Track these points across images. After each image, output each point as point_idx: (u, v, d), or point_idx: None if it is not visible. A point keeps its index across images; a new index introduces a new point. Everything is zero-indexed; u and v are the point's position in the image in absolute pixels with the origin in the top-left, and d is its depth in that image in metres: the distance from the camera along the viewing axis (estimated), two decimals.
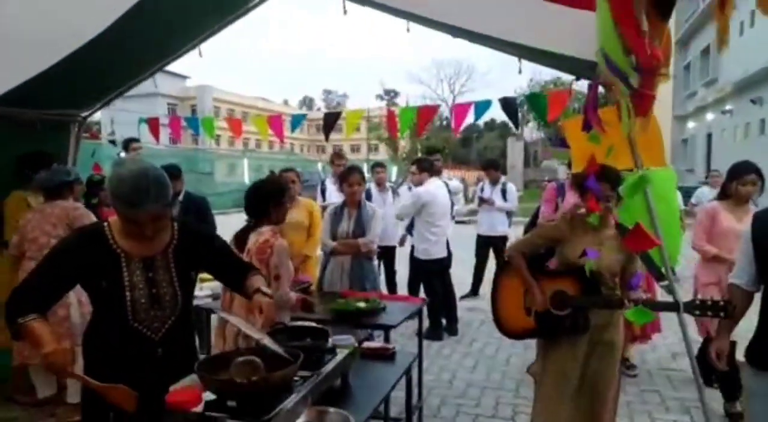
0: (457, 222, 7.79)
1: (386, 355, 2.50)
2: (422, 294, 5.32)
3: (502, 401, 3.91)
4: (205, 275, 4.14)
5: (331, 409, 1.83)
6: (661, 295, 3.63)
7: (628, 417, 3.60)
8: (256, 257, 2.61)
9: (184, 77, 43.19)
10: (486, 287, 7.00)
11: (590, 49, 2.53)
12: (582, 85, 3.31)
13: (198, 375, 1.64)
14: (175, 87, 42.31)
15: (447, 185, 5.66)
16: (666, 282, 2.59)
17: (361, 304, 3.24)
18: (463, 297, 6.52)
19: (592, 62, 2.69)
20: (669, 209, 3.14)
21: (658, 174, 3.14)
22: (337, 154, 6.15)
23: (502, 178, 6.87)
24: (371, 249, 3.85)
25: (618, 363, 2.73)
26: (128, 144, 6.19)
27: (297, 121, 4.08)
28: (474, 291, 6.93)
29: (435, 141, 28.85)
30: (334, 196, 5.97)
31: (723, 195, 3.58)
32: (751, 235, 2.10)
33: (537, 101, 3.33)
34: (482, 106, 3.50)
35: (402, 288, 5.88)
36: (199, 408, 1.50)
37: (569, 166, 4.00)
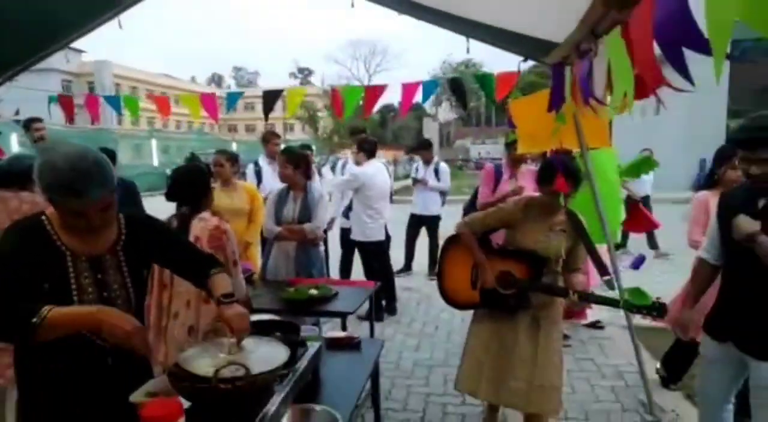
0: None
1: (352, 345, 2.42)
2: (356, 275, 5.30)
3: (450, 378, 3.93)
4: None
5: (317, 407, 1.73)
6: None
7: (569, 385, 3.78)
8: (210, 245, 2.43)
9: (79, 51, 39.45)
10: (418, 264, 7.13)
11: (550, 29, 2.57)
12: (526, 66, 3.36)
13: (173, 382, 1.48)
14: (70, 62, 38.71)
15: (386, 168, 5.60)
16: (608, 277, 2.68)
17: (313, 291, 3.13)
18: (397, 272, 6.57)
19: (547, 43, 2.73)
20: (609, 187, 3.30)
21: (600, 154, 3.28)
22: (272, 132, 5.83)
23: (435, 158, 6.94)
24: (318, 235, 3.72)
25: (561, 328, 2.88)
26: (29, 124, 5.55)
27: (233, 99, 3.81)
28: (407, 267, 7.05)
29: (355, 121, 28.63)
30: (271, 177, 5.72)
31: (711, 182, 3.19)
32: (717, 211, 2.20)
33: (485, 81, 3.34)
34: (429, 86, 3.46)
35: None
36: (181, 421, 1.34)
37: (508, 146, 4.08)
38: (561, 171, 2.49)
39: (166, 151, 25.51)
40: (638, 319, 3.63)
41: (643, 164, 2.20)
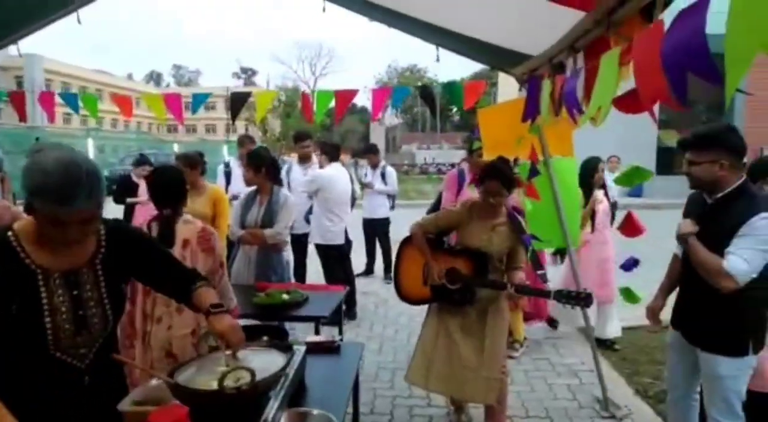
0: None
1: (332, 348, 2.42)
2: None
3: None
4: None
5: (314, 411, 1.73)
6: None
7: (527, 383, 3.93)
8: (200, 247, 2.43)
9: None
10: (377, 267, 7.19)
11: (525, 42, 2.67)
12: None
13: (174, 389, 1.45)
14: None
15: (349, 172, 5.62)
16: (543, 271, 3.05)
17: (285, 296, 3.11)
18: (358, 275, 6.61)
19: (520, 54, 2.84)
20: (570, 195, 3.46)
21: (562, 163, 3.43)
22: (247, 136, 5.68)
23: (382, 162, 7.02)
24: (278, 240, 3.67)
25: (507, 323, 3.11)
26: None
27: (199, 100, 3.70)
28: (369, 270, 7.19)
29: (299, 124, 28.32)
30: (239, 179, 5.60)
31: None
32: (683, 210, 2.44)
33: (454, 90, 3.43)
34: (400, 92, 3.51)
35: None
36: None
37: (472, 153, 4.20)
38: (493, 174, 2.78)
39: (102, 150, 24.34)
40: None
41: (636, 174, 2.33)
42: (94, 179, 1.44)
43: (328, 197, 5.08)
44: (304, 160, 5.56)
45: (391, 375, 4.11)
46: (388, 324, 5.32)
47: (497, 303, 2.95)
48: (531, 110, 2.45)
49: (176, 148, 24.65)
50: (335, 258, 5.27)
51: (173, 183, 2.54)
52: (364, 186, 6.77)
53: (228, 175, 5.70)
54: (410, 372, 3.10)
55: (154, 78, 73.82)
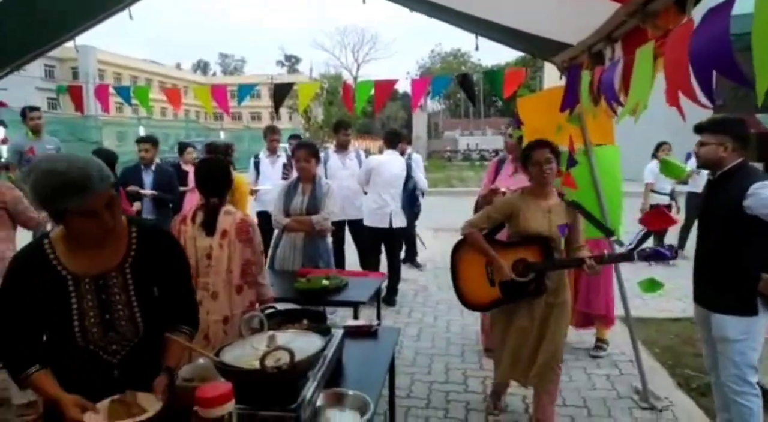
0: None
1: (370, 333, 2.50)
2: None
3: (451, 367, 4.08)
4: None
5: (350, 392, 1.82)
6: None
7: (565, 373, 3.92)
8: (238, 237, 2.53)
9: None
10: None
11: (563, 31, 2.65)
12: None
13: (219, 368, 1.56)
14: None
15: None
16: (615, 237, 2.92)
17: (325, 282, 3.21)
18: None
19: (558, 43, 2.81)
20: (613, 182, 3.41)
21: (604, 150, 3.39)
22: (271, 128, 5.91)
23: (408, 150, 6.99)
24: (325, 226, 3.78)
25: (569, 314, 3.04)
26: (25, 112, 5.54)
27: (244, 91, 3.83)
28: (410, 259, 7.21)
29: (342, 111, 28.45)
30: (269, 170, 5.80)
31: None
32: None
33: (494, 78, 3.42)
34: (439, 82, 3.53)
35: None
36: (231, 404, 1.42)
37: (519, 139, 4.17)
38: (540, 143, 2.72)
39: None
40: (633, 312, 3.78)
41: (671, 169, 2.33)
42: (97, 162, 1.53)
43: (377, 181, 5.28)
44: (342, 148, 5.71)
45: (428, 361, 4.18)
46: (427, 311, 5.39)
47: (561, 293, 2.89)
48: (570, 100, 2.43)
49: (222, 135, 25.29)
50: (380, 241, 5.44)
51: (219, 173, 2.66)
52: None
53: (257, 165, 5.92)
54: (497, 374, 3.15)
55: (201, 67, 75.55)
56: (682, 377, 3.81)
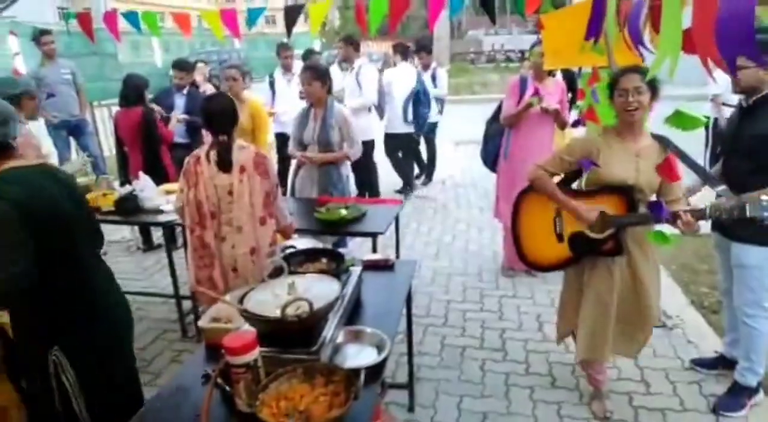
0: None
1: (387, 266, 2.59)
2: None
3: (468, 286, 4.23)
4: (170, 186, 3.96)
5: (368, 329, 1.92)
6: None
7: None
8: (257, 171, 2.61)
9: None
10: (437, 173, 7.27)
11: None
12: None
13: (245, 316, 1.66)
14: None
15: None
16: (722, 187, 2.30)
17: (343, 211, 3.27)
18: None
19: None
20: None
21: None
22: (283, 45, 5.73)
23: (433, 64, 6.73)
24: (357, 156, 3.80)
25: (657, 269, 2.59)
26: (38, 36, 5.48)
27: (254, 15, 3.66)
28: (428, 176, 7.19)
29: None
30: (285, 89, 5.70)
31: None
32: None
33: None
34: (458, 1, 3.33)
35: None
36: (257, 351, 1.53)
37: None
38: (631, 68, 2.25)
39: (167, 49, 24.64)
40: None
41: (687, 120, 2.16)
42: None
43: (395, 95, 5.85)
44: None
45: (446, 280, 4.34)
46: (446, 230, 5.49)
47: (643, 248, 2.48)
48: (594, 29, 2.28)
49: (237, 44, 24.52)
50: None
51: (226, 110, 2.65)
52: None
53: (272, 85, 5.83)
54: (579, 352, 2.68)
55: None
56: (696, 295, 3.90)
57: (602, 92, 3.20)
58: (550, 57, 3.37)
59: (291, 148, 3.83)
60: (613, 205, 2.38)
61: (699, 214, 2.21)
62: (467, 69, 29.86)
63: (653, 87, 2.25)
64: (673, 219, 2.24)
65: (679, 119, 2.22)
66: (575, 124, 3.36)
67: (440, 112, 6.77)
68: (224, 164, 2.60)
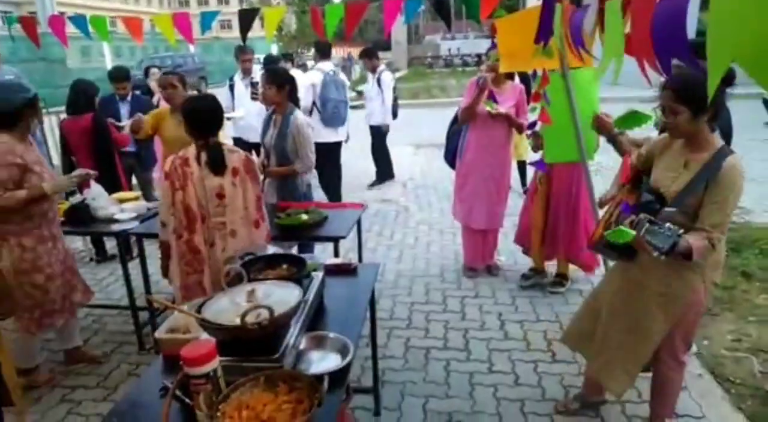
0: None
1: (350, 271, 2.58)
2: None
3: (431, 287, 4.26)
4: (123, 194, 3.84)
5: (331, 334, 1.91)
6: None
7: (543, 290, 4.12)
8: (248, 175, 2.59)
9: None
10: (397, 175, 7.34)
11: None
12: None
13: (203, 325, 1.62)
14: None
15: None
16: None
17: (304, 216, 3.24)
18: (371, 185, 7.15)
19: None
20: (589, 106, 3.39)
21: (582, 73, 3.33)
22: (241, 47, 5.65)
23: (380, 67, 6.87)
24: (308, 170, 3.72)
25: (670, 316, 2.25)
26: None
27: (208, 20, 3.58)
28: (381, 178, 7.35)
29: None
30: (244, 94, 5.63)
31: None
32: None
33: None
34: (412, 5, 3.36)
35: None
36: (216, 361, 1.50)
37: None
38: (667, 83, 2.00)
39: (119, 54, 23.95)
40: None
41: (634, 118, 2.23)
42: None
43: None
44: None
45: (409, 283, 4.35)
46: (409, 232, 5.51)
47: (673, 283, 2.20)
48: (544, 33, 2.34)
49: (192, 48, 24.07)
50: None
51: (213, 110, 2.60)
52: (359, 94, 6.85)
53: (231, 88, 5.78)
54: (565, 334, 2.76)
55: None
56: None
57: (553, 93, 3.29)
58: (505, 60, 3.43)
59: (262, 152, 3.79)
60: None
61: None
62: (425, 73, 30.14)
63: (692, 97, 1.95)
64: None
65: (628, 119, 2.29)
66: (530, 126, 3.43)
67: (394, 116, 6.94)
68: (218, 166, 2.55)
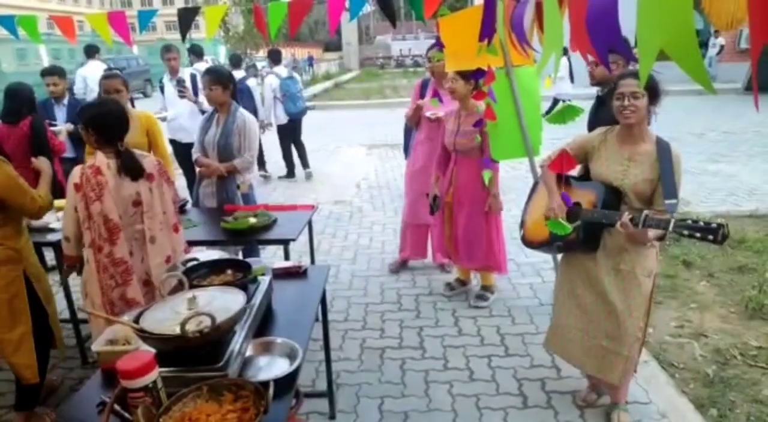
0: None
1: (299, 273, 2.53)
2: None
3: (386, 287, 4.25)
4: (62, 202, 3.65)
5: (278, 339, 1.86)
6: None
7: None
8: (162, 178, 2.53)
9: None
10: (359, 178, 7.31)
11: None
12: None
13: (141, 335, 1.55)
14: None
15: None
16: (674, 201, 2.16)
17: (252, 220, 3.17)
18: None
19: None
20: (532, 102, 3.46)
21: (524, 71, 3.39)
22: (166, 47, 5.42)
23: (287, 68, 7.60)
24: (248, 167, 3.62)
25: (644, 297, 2.40)
26: None
27: (145, 18, 3.43)
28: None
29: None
30: (172, 95, 5.49)
31: None
32: None
33: None
34: (357, 4, 3.33)
35: None
36: (155, 373, 1.43)
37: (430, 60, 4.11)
38: (629, 73, 2.22)
39: (58, 56, 22.93)
40: None
41: (568, 112, 2.31)
42: None
43: None
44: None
45: (364, 284, 4.33)
46: (363, 232, 5.49)
47: (628, 257, 2.37)
48: (487, 30, 2.36)
49: (136, 50, 23.33)
50: None
51: (119, 115, 2.49)
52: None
53: (162, 89, 5.67)
54: (547, 340, 2.77)
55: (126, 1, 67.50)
56: None
57: (499, 91, 3.34)
58: (450, 59, 3.46)
59: (194, 152, 3.68)
60: (592, 201, 2.38)
61: (634, 221, 2.13)
62: (377, 73, 30.21)
63: (652, 91, 2.21)
64: (612, 222, 2.21)
65: (561, 114, 2.36)
66: (476, 124, 3.46)
67: (302, 114, 7.54)
68: (134, 172, 2.44)
